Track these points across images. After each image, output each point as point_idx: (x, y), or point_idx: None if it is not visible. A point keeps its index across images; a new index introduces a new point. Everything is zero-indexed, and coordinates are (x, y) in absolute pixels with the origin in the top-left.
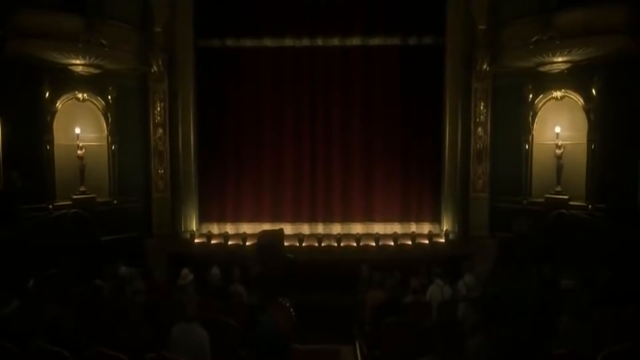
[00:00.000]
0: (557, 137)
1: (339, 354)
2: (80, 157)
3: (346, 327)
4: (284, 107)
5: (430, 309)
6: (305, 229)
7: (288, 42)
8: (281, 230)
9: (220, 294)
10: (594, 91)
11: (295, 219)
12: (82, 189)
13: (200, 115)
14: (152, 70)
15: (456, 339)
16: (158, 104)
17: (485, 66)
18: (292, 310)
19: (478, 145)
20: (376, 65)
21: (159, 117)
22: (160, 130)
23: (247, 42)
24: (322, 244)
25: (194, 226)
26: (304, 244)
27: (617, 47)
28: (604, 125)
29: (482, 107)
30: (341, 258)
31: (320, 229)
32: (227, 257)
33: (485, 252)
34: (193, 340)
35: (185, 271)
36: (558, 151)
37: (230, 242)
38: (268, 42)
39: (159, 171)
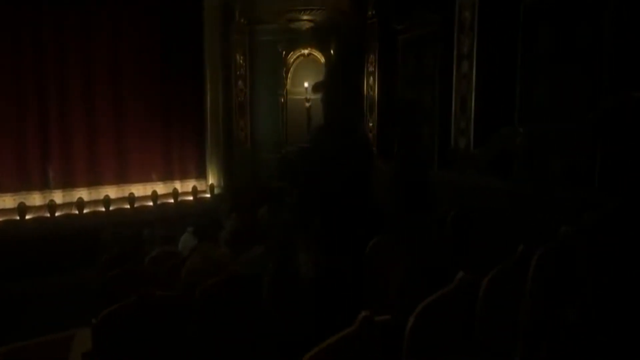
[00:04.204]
0: (306, 92)
1: (73, 338)
2: None
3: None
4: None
5: (179, 255)
6: (36, 198)
7: None
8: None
9: None
10: (332, 51)
11: (20, 187)
12: None
13: None
14: None
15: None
16: None
17: (243, 20)
18: None
19: (239, 99)
20: (131, 7)
21: None
22: None
23: None
24: (58, 214)
25: None
26: (29, 217)
27: (344, 14)
28: (337, 82)
29: (241, 61)
30: (83, 225)
31: (57, 196)
32: None
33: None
34: None
35: None
36: (307, 104)
37: None
38: None
39: None
